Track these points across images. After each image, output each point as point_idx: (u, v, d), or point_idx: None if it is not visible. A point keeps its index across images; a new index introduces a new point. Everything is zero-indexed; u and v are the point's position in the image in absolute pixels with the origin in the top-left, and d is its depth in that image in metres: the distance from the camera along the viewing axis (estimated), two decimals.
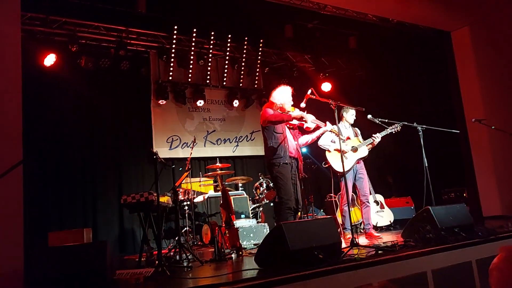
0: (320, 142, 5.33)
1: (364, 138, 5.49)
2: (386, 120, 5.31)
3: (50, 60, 6.73)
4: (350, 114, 5.54)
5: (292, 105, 4.61)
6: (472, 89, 7.62)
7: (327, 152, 5.41)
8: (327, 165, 5.47)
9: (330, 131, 4.77)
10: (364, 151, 5.35)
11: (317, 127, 4.72)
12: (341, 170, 5.13)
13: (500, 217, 6.93)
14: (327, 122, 4.73)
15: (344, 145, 5.30)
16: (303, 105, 4.65)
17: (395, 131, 5.36)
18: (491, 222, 5.99)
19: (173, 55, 7.81)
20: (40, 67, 6.72)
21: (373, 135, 5.36)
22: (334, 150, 5.30)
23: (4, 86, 3.94)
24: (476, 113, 7.30)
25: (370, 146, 5.40)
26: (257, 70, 8.77)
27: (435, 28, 7.91)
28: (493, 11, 7.57)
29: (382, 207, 6.87)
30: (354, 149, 5.34)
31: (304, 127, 4.65)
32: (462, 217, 4.48)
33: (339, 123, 5.48)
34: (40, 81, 6.82)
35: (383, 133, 5.36)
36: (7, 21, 4.12)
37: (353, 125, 5.65)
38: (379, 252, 3.66)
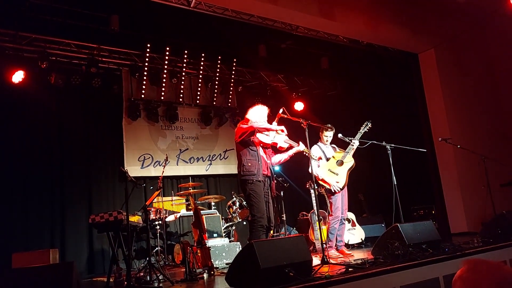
0: (312, 171, 5.25)
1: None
2: (359, 140, 5.41)
3: (18, 76, 6.58)
4: (324, 136, 5.60)
5: None
6: (439, 109, 7.92)
7: (319, 180, 5.30)
8: (323, 189, 5.42)
9: (302, 151, 4.82)
10: (350, 160, 5.36)
11: (290, 147, 4.77)
12: (340, 186, 5.20)
13: (466, 233, 7.13)
14: (300, 142, 4.79)
15: (334, 165, 5.33)
16: (275, 124, 4.71)
17: (367, 129, 5.43)
18: (458, 238, 6.15)
19: (146, 73, 7.78)
20: (7, 83, 6.56)
21: (350, 143, 5.37)
22: (322, 178, 5.32)
23: None
24: (443, 132, 7.57)
25: (352, 152, 5.41)
26: (231, 88, 8.83)
27: (403, 50, 8.22)
28: (457, 35, 7.95)
29: (353, 224, 6.94)
30: (340, 163, 5.35)
31: (278, 146, 4.70)
32: (429, 234, 4.59)
33: (317, 143, 5.60)
34: (7, 98, 6.66)
35: (358, 136, 5.40)
36: None
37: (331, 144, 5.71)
38: (349, 269, 3.69)
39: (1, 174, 6.45)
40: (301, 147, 4.78)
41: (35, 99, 6.90)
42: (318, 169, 5.33)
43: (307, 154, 4.84)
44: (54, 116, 7.21)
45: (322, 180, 5.31)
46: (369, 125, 5.46)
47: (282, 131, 4.54)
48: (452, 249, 4.44)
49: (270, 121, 4.76)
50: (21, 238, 6.49)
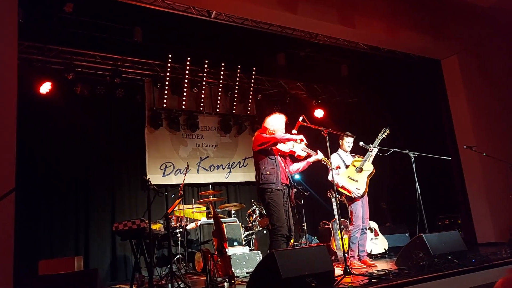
0: (332, 179, 5.23)
1: None
2: (378, 147, 5.37)
3: (45, 87, 6.80)
4: (345, 142, 5.58)
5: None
6: (463, 116, 7.75)
7: (339, 187, 5.28)
8: (342, 198, 5.40)
9: (320, 159, 4.80)
10: (369, 167, 5.32)
11: (308, 155, 4.76)
12: (360, 193, 5.18)
13: (494, 244, 6.92)
14: (318, 151, 4.78)
15: (353, 172, 5.31)
16: (294, 132, 4.71)
17: (385, 136, 5.41)
18: (485, 249, 5.99)
19: (167, 83, 7.92)
20: (35, 94, 6.77)
21: (369, 149, 5.35)
22: (342, 185, 5.30)
23: None
24: (467, 139, 7.40)
25: (371, 159, 5.38)
26: (250, 97, 8.88)
27: (425, 56, 8.10)
28: (481, 41, 7.80)
29: (376, 234, 6.84)
30: (359, 170, 5.32)
31: (296, 155, 4.68)
32: (455, 244, 4.48)
33: (337, 150, 5.58)
34: (35, 108, 6.86)
35: (376, 142, 5.38)
36: (5, 49, 4.19)
37: (350, 152, 5.69)
38: (373, 280, 3.63)
39: (28, 182, 6.61)
40: (319, 155, 4.77)
41: (60, 109, 7.08)
42: (338, 176, 5.30)
43: (325, 163, 4.82)
44: (79, 125, 7.39)
45: (342, 187, 5.27)
46: (387, 131, 5.43)
47: (302, 140, 4.52)
48: (479, 260, 4.33)
49: (289, 129, 4.75)
50: (47, 246, 6.64)
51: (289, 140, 4.49)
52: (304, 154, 4.66)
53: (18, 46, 4.52)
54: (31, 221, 6.51)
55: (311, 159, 4.79)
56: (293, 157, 4.80)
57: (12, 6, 4.33)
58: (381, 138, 5.40)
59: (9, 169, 3.87)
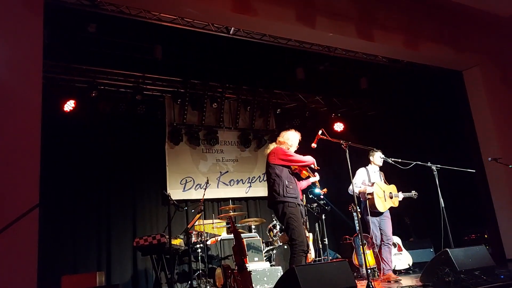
0: (368, 189, 5.45)
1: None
2: (400, 160, 5.28)
3: (69, 105, 6.99)
4: (377, 157, 5.57)
5: (295, 151, 4.71)
6: (487, 128, 7.58)
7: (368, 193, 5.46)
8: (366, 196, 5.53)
9: (314, 183, 4.89)
10: (396, 202, 5.56)
11: (309, 176, 4.81)
12: (379, 210, 5.35)
13: None
14: (316, 173, 4.83)
15: (386, 194, 5.51)
16: (314, 145, 4.70)
17: (415, 197, 5.77)
18: None
19: (187, 98, 8.03)
20: (60, 112, 6.95)
21: (414, 193, 5.71)
22: (371, 192, 5.40)
23: (23, 131, 4.09)
24: (492, 151, 7.21)
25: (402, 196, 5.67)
26: (270, 111, 8.91)
27: (446, 68, 7.99)
28: (503, 51, 7.66)
29: (400, 249, 6.68)
30: (390, 196, 5.52)
31: (301, 173, 4.70)
32: (482, 259, 4.35)
33: (366, 166, 5.61)
34: (58, 125, 7.00)
35: (407, 194, 5.69)
36: (30, 70, 4.33)
37: (380, 169, 5.70)
38: None
39: (51, 198, 6.72)
40: (316, 178, 4.84)
41: (83, 126, 7.24)
42: (371, 187, 5.43)
43: (317, 186, 4.93)
44: (101, 142, 7.49)
45: (370, 194, 5.37)
46: (416, 195, 5.74)
47: (313, 163, 4.56)
48: (508, 275, 4.17)
49: (308, 143, 4.77)
50: (70, 261, 6.71)
51: (311, 164, 4.52)
52: (306, 174, 4.71)
53: (44, 66, 4.65)
54: (54, 237, 6.61)
55: (311, 180, 4.85)
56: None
57: (38, 28, 4.48)
58: (412, 196, 5.71)
59: (33, 185, 3.96)
